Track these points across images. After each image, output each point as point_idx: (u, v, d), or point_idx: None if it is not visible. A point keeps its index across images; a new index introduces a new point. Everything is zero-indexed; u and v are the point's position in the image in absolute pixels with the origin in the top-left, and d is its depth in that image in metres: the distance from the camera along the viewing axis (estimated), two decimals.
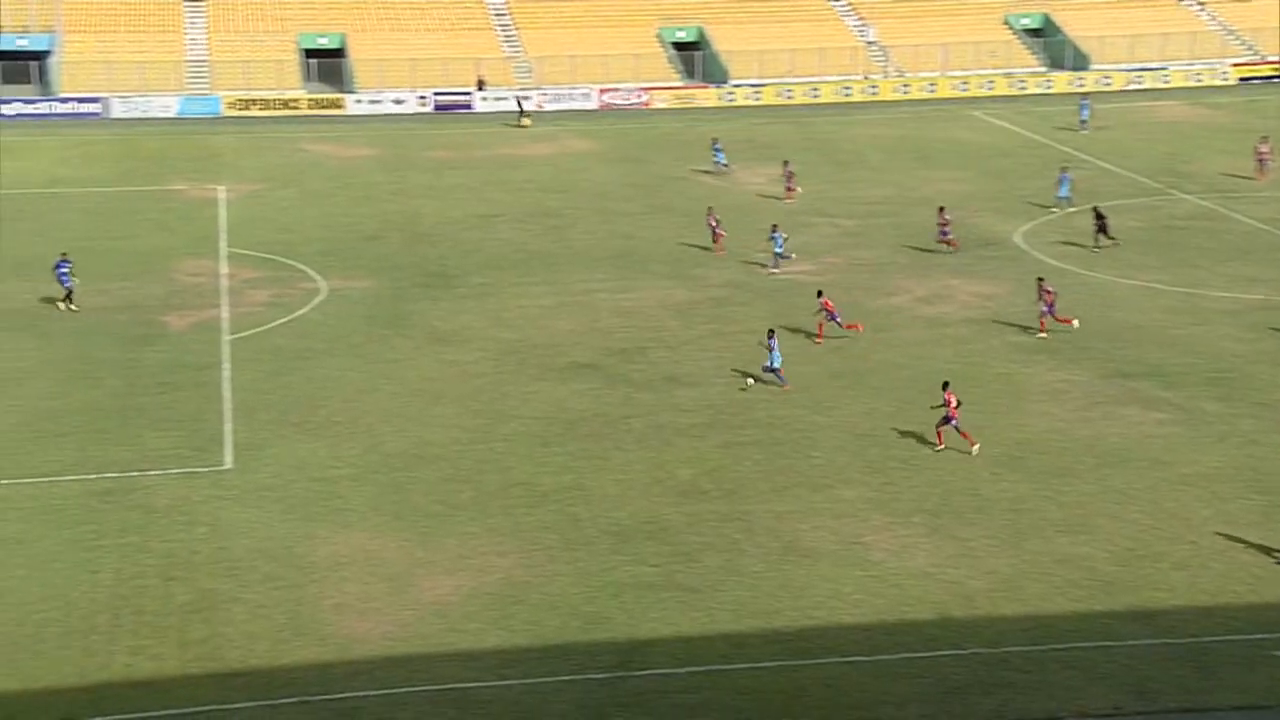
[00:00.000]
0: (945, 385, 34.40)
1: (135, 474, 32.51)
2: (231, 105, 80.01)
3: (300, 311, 44.66)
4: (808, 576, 28.20)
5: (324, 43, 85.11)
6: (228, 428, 35.28)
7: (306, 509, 30.94)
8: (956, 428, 33.80)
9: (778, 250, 48.38)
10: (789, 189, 59.37)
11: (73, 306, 44.02)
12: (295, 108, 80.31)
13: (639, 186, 62.57)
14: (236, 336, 42.21)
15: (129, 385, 38.09)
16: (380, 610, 26.87)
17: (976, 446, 33.70)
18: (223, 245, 52.50)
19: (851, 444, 34.37)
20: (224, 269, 49.46)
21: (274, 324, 43.43)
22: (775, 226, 49.16)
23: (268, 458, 33.56)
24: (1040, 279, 43.33)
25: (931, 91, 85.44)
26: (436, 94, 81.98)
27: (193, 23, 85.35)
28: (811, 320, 41.86)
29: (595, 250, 51.82)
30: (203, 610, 26.73)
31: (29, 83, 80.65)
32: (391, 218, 57.13)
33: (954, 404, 33.74)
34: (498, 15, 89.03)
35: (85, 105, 78.57)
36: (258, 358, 40.33)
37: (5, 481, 32.12)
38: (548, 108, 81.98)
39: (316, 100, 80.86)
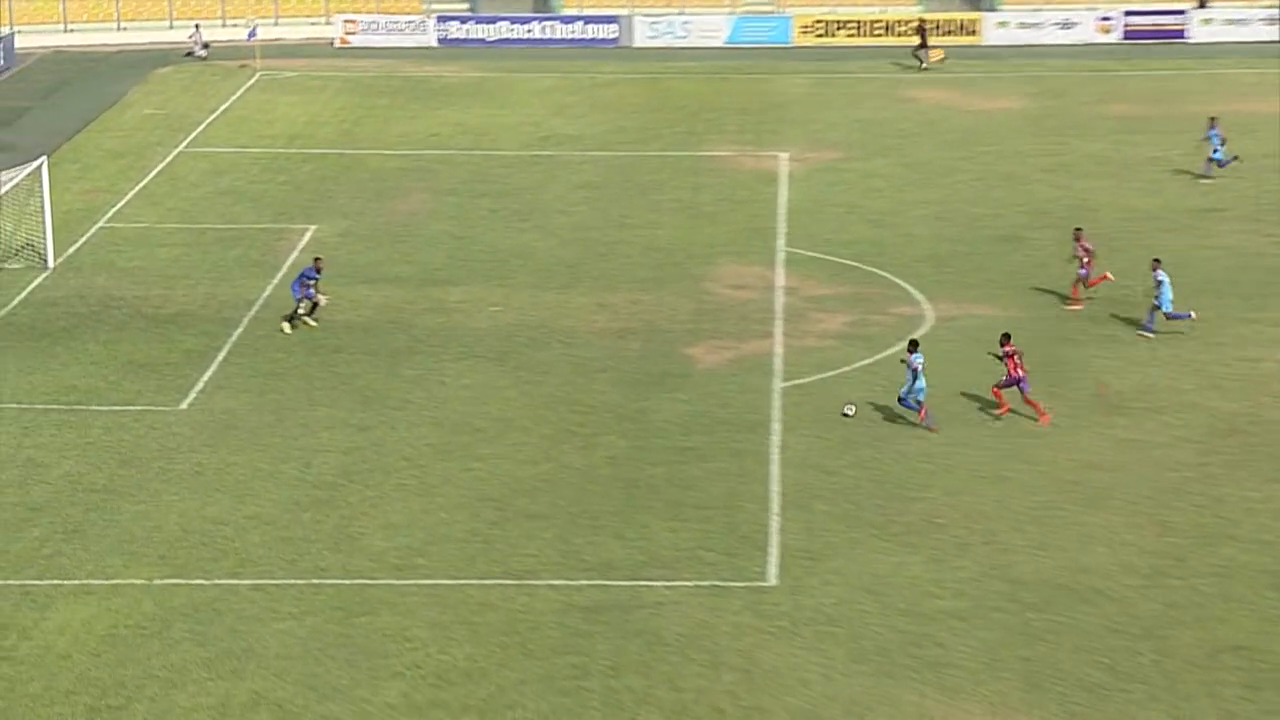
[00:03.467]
0: None
1: (637, 583, 34.12)
2: (807, 30, 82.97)
3: (890, 350, 45.58)
4: None
5: None
6: (773, 523, 36.45)
7: (889, 658, 31.42)
8: None
9: (1160, 304, 46.05)
10: None
11: (311, 321, 47.29)
12: (903, 34, 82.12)
13: None
14: (793, 384, 43.61)
15: (635, 449, 40.12)
16: None
17: None
18: (780, 243, 54.53)
19: None
20: (780, 279, 51.35)
21: (850, 367, 44.59)
22: (1157, 263, 46.52)
23: (831, 573, 34.38)
24: None
25: None
26: (1128, 14, 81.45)
27: None
28: None
29: None
30: None
31: None
32: (1044, 208, 57.38)
33: None
34: None
35: (596, 28, 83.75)
36: (821, 418, 41.48)
37: (458, 582, 34.46)
38: None
39: (938, 22, 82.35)
